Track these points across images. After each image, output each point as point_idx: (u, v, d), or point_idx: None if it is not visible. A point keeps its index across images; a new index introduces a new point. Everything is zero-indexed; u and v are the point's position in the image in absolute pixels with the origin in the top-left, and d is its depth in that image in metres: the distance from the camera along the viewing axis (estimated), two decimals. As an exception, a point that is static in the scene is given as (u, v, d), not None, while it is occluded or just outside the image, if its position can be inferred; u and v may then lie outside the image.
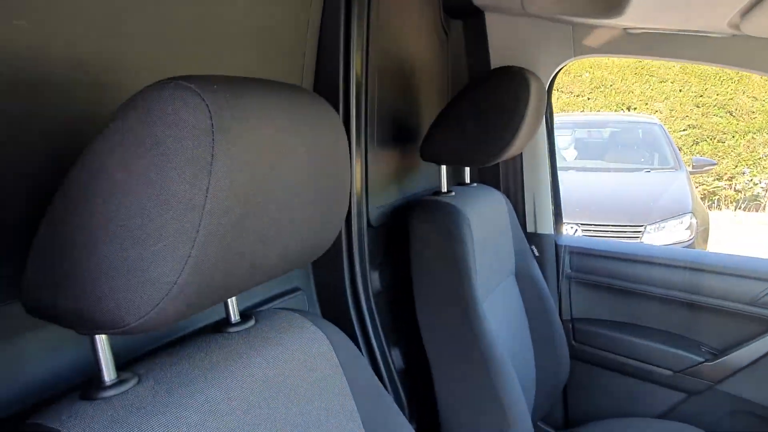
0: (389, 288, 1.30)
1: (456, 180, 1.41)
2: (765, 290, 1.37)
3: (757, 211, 7.58)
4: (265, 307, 0.95)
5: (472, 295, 1.14)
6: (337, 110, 1.08)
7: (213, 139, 0.42)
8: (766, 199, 7.59)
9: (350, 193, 1.12)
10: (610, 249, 1.63)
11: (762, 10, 0.97)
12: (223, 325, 0.67)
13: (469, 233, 1.17)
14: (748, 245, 5.64)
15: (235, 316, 0.68)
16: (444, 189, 1.31)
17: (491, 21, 1.56)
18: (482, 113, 1.20)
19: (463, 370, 1.16)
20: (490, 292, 1.27)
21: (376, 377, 0.77)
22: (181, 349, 0.61)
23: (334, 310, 1.14)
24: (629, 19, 1.24)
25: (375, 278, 1.24)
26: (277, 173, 0.50)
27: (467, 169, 1.44)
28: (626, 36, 1.39)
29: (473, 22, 1.57)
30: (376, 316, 1.20)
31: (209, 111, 0.42)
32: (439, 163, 1.29)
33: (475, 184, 1.45)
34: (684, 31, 1.27)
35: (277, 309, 0.75)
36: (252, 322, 0.69)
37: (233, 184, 0.44)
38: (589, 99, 8.86)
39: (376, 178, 1.25)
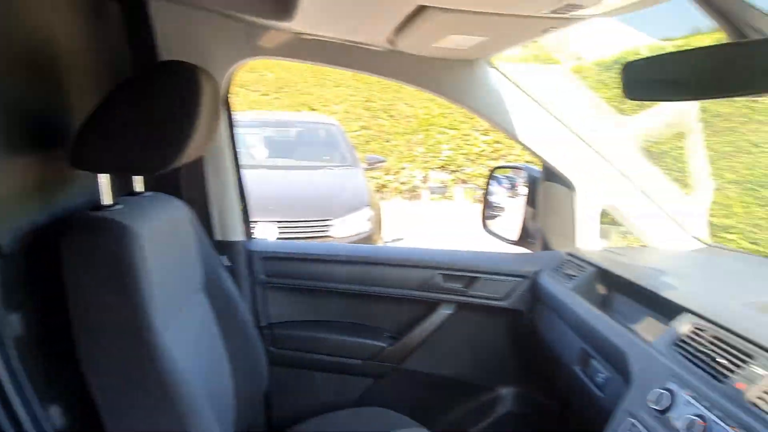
0: (42, 331, 1.03)
1: (125, 190, 1.20)
2: (429, 276, 1.58)
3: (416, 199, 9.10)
4: None
5: (147, 325, 0.98)
6: None
7: None
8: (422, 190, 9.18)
9: None
10: (299, 251, 1.66)
11: (411, 29, 1.08)
12: None
13: (140, 253, 1.00)
14: (413, 231, 6.70)
15: None
16: (106, 202, 1.10)
17: (157, 9, 1.38)
18: (148, 113, 1.04)
19: (141, 409, 1.00)
20: (175, 314, 1.13)
21: None
22: None
23: None
24: (300, 25, 1.25)
25: (14, 322, 0.96)
26: None
27: (138, 177, 1.25)
28: (299, 41, 1.40)
29: (133, 7, 1.37)
30: (19, 372, 0.93)
31: None
32: (97, 171, 1.08)
33: (149, 194, 1.27)
34: (350, 41, 1.35)
35: None
36: None
37: None
38: (277, 98, 9.20)
39: (5, 192, 0.96)
